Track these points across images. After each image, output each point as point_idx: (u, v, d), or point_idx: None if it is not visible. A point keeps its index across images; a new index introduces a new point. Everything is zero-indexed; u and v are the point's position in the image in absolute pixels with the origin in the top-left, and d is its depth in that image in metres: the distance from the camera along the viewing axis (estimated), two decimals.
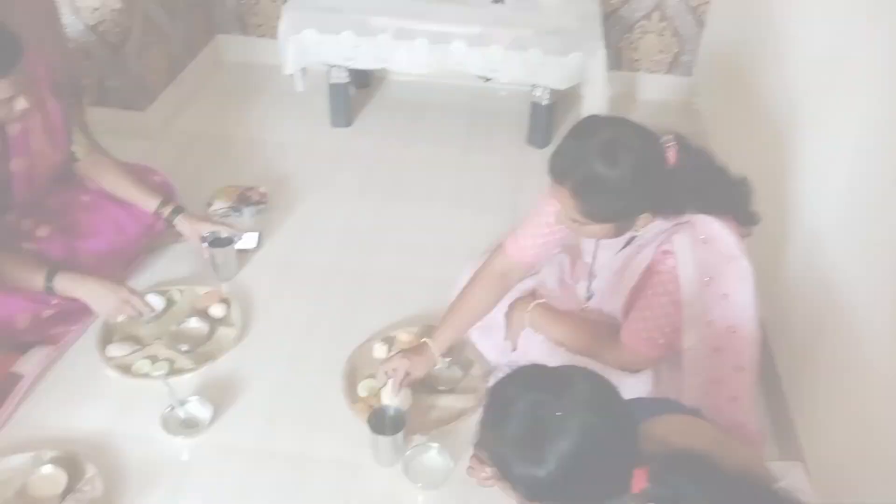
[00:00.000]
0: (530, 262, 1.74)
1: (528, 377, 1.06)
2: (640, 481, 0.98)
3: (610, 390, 1.04)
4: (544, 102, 2.69)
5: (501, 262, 1.73)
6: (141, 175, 2.16)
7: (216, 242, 2.14)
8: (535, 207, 1.69)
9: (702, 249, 1.40)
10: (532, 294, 1.80)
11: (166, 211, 2.10)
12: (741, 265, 1.43)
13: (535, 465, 0.98)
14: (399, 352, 1.78)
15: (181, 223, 2.12)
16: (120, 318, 1.93)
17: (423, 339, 1.77)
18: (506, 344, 1.77)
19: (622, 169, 1.33)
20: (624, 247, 1.55)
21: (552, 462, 0.96)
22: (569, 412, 0.98)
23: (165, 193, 2.17)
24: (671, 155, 1.40)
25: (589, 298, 1.70)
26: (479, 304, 1.75)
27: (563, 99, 2.86)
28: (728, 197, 1.46)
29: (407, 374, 1.73)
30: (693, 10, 2.94)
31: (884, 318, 1.38)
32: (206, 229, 2.12)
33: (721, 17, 2.81)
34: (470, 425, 1.77)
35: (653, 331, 1.47)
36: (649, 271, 1.47)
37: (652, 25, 3.00)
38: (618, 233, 1.45)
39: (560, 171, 1.38)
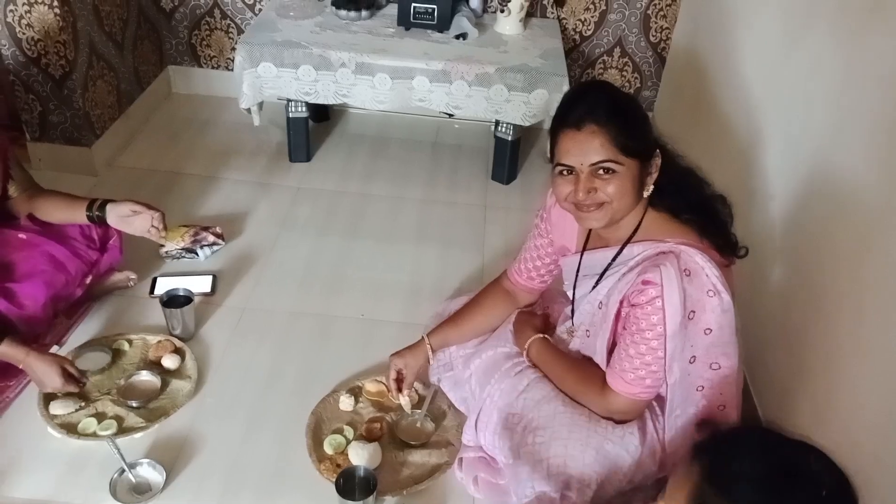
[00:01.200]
0: (533, 288, 1.77)
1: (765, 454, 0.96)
2: None
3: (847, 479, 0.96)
4: (509, 138, 2.65)
5: (507, 284, 1.80)
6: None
7: (172, 301, 2.02)
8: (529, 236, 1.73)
9: (685, 282, 1.36)
10: (541, 315, 1.76)
11: (95, 210, 1.94)
12: (723, 300, 1.39)
13: None
14: (393, 354, 1.80)
15: (110, 216, 1.94)
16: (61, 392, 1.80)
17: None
18: (514, 346, 1.72)
19: (633, 99, 1.45)
20: (604, 271, 1.50)
21: None
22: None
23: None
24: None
25: (571, 333, 1.64)
26: (487, 313, 1.81)
27: (528, 134, 2.82)
28: (705, 208, 1.45)
29: (401, 372, 1.77)
30: (654, 46, 2.96)
31: (860, 353, 1.35)
32: (129, 208, 1.93)
33: (682, 52, 2.83)
34: (443, 483, 1.69)
35: (638, 369, 1.41)
36: (628, 303, 1.42)
37: (613, 61, 3.00)
38: (638, 190, 1.41)
39: (578, 114, 1.37)
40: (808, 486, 0.91)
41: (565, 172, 1.40)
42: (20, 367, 1.73)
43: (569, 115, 1.40)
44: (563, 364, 1.61)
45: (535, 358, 1.66)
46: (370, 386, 1.90)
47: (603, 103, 1.38)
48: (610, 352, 1.52)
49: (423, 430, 1.80)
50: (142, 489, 1.63)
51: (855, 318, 1.43)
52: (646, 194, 1.43)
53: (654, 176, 1.42)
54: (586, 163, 1.37)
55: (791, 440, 0.98)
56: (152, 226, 1.93)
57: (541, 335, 1.67)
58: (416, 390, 1.87)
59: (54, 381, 1.74)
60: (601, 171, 1.37)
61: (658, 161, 1.42)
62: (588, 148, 1.37)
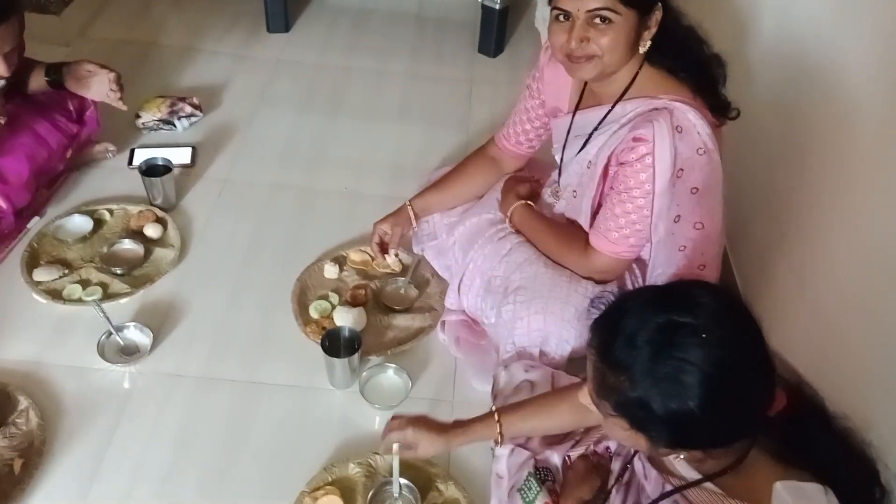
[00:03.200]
0: (520, 154, 1.74)
1: (646, 303, 0.91)
2: (781, 400, 0.91)
3: (733, 299, 0.93)
4: (496, 6, 2.55)
5: (493, 151, 1.78)
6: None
7: (152, 171, 1.98)
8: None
9: (677, 139, 1.34)
10: (529, 183, 1.73)
11: (52, 74, 1.89)
12: (713, 159, 1.38)
13: (682, 399, 0.85)
14: (376, 221, 1.80)
15: (67, 79, 1.88)
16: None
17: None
18: (498, 213, 1.71)
19: None
20: (594, 130, 1.47)
21: (701, 389, 0.84)
22: (706, 331, 0.85)
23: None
24: None
25: (557, 194, 1.63)
26: (470, 181, 1.80)
27: (517, 3, 2.72)
28: (702, 67, 1.40)
29: (386, 233, 1.78)
30: None
31: (842, 221, 1.36)
32: (84, 68, 1.88)
33: None
34: (426, 344, 1.72)
35: (623, 228, 1.42)
36: (616, 161, 1.41)
37: None
38: (632, 45, 1.36)
39: None
40: (691, 324, 0.87)
41: (561, 18, 1.35)
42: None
43: None
44: (545, 227, 1.61)
45: (518, 223, 1.66)
46: (354, 255, 1.91)
47: None
48: (595, 212, 1.52)
49: (406, 295, 1.82)
50: (129, 351, 1.65)
51: (836, 187, 1.42)
52: (642, 50, 1.39)
53: (653, 31, 1.37)
54: (583, 8, 1.31)
55: (675, 287, 0.95)
56: (110, 89, 1.86)
57: (524, 201, 1.66)
58: (400, 259, 1.88)
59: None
60: (597, 20, 1.32)
61: (658, 15, 1.36)
62: None
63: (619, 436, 0.94)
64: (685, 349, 0.85)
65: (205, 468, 1.47)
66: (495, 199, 1.75)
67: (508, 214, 1.67)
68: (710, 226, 1.46)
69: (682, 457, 0.96)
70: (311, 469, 1.46)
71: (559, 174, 1.62)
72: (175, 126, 2.24)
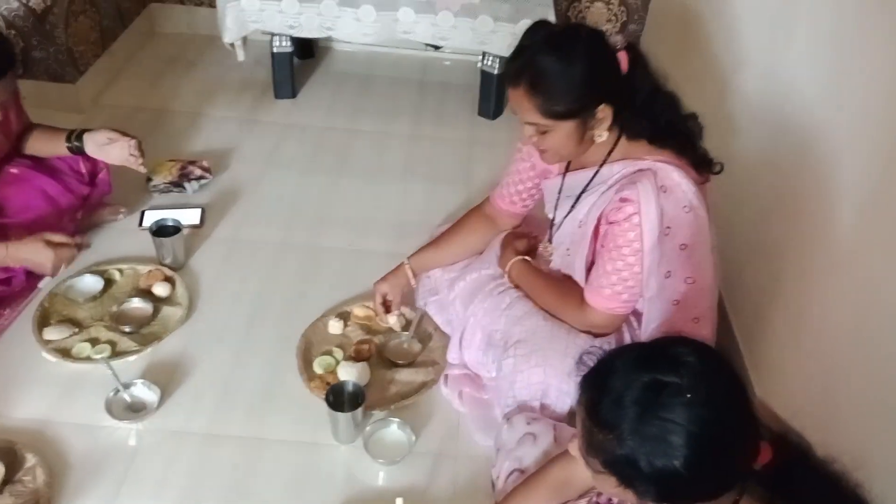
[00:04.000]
0: (515, 212, 1.79)
1: (632, 361, 0.94)
2: (766, 454, 0.93)
3: (717, 356, 0.95)
4: (495, 71, 2.65)
5: (489, 210, 1.82)
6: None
7: (162, 231, 2.04)
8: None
9: (662, 198, 1.39)
10: (527, 239, 1.77)
11: (73, 140, 1.95)
12: (699, 215, 1.42)
13: (668, 458, 0.87)
14: (376, 282, 1.85)
15: (87, 145, 1.95)
16: (63, 268, 1.84)
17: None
18: (498, 268, 1.75)
19: (571, 58, 1.36)
20: (583, 191, 1.52)
21: (686, 448, 0.86)
22: (691, 391, 0.87)
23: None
24: (623, 59, 1.40)
25: (551, 254, 1.67)
26: (467, 239, 1.85)
27: None
28: (679, 128, 1.45)
29: (386, 296, 1.82)
30: None
31: (833, 266, 1.40)
32: (105, 135, 1.94)
33: None
34: (429, 398, 1.74)
35: (616, 285, 1.45)
36: (605, 221, 1.45)
37: None
38: (581, 141, 1.44)
39: (513, 71, 1.40)
40: (675, 383, 0.89)
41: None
42: (9, 263, 1.76)
43: (508, 69, 1.43)
44: (542, 282, 1.65)
45: (516, 278, 1.70)
46: (358, 310, 1.94)
47: (531, 67, 1.37)
48: (588, 269, 1.56)
49: (409, 350, 1.85)
50: (137, 408, 1.68)
51: (827, 235, 1.46)
52: (598, 140, 1.45)
53: (606, 123, 1.43)
54: (523, 119, 1.43)
55: (660, 344, 0.97)
56: (130, 154, 1.93)
57: (522, 257, 1.71)
58: (404, 314, 1.91)
59: (47, 255, 1.77)
60: (536, 128, 1.42)
61: (602, 114, 1.41)
62: (520, 107, 1.42)
63: (609, 491, 0.96)
64: (670, 409, 0.88)
65: None
66: (495, 254, 1.79)
67: (507, 270, 1.71)
68: (700, 280, 1.50)
69: None
70: None
71: (551, 233, 1.67)
72: (185, 188, 2.31)
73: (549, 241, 1.67)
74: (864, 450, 1.16)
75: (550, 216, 1.66)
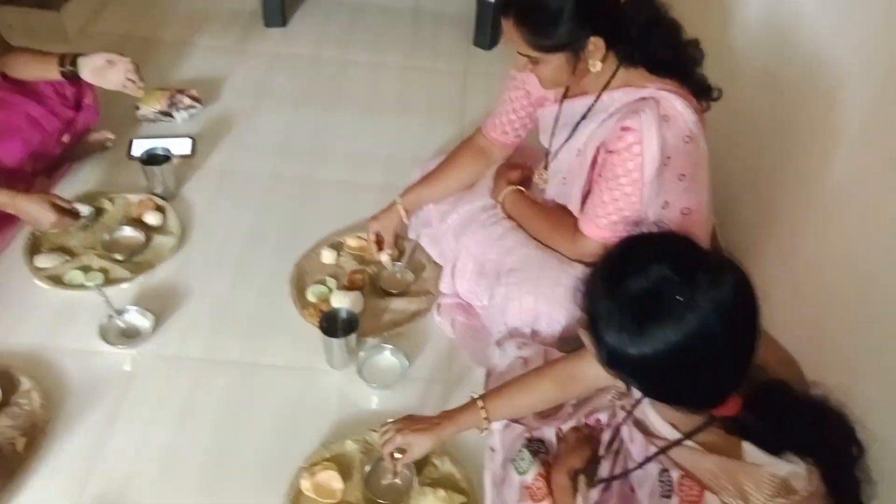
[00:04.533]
0: (507, 143, 1.75)
1: (670, 248, 0.91)
2: (732, 407, 0.92)
3: (750, 298, 0.90)
4: (491, 0, 2.59)
5: (481, 141, 1.78)
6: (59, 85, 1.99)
7: (152, 160, 2.01)
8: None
9: (664, 128, 1.37)
10: (520, 169, 1.76)
11: (67, 65, 1.88)
12: (699, 146, 1.41)
13: (630, 341, 0.87)
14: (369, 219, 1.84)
15: (83, 69, 1.87)
16: (54, 230, 1.82)
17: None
18: (490, 199, 1.75)
19: None
20: (581, 119, 1.51)
21: (649, 346, 0.86)
22: (692, 303, 0.85)
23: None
24: None
25: (546, 182, 1.66)
26: (459, 172, 1.81)
27: None
28: (679, 56, 1.42)
29: (379, 234, 1.81)
30: None
31: (828, 199, 1.40)
32: (103, 58, 1.87)
33: None
34: (422, 327, 1.76)
35: (612, 214, 1.45)
36: (605, 150, 1.44)
37: None
38: (574, 70, 1.40)
39: (504, 1, 1.39)
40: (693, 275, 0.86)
41: None
42: (10, 210, 1.73)
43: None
44: (535, 212, 1.65)
45: (509, 209, 1.69)
46: (351, 241, 1.94)
47: None
48: (584, 198, 1.55)
49: (403, 279, 1.85)
50: (131, 334, 1.69)
51: (824, 168, 1.46)
52: (593, 70, 1.41)
53: (599, 54, 1.38)
54: (517, 47, 1.39)
55: (676, 240, 0.95)
56: (127, 78, 1.89)
57: (515, 187, 1.70)
58: (397, 246, 1.91)
59: (48, 217, 1.74)
60: (529, 59, 1.40)
61: (596, 44, 1.36)
62: (510, 38, 1.40)
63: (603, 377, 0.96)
64: (683, 302, 0.86)
65: (206, 447, 1.50)
66: (487, 186, 1.78)
67: (500, 200, 1.70)
68: (697, 211, 1.49)
69: (664, 419, 0.99)
70: (310, 447, 1.49)
71: (547, 161, 1.65)
72: (174, 117, 2.27)
73: (546, 168, 1.65)
74: (855, 380, 1.18)
75: (546, 145, 1.64)
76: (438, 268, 1.86)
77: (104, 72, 1.88)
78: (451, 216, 1.79)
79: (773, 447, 0.93)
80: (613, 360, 0.90)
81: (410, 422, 1.34)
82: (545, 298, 1.51)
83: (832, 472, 0.92)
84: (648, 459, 1.00)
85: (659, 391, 0.92)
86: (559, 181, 1.62)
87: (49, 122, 1.94)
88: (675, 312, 0.85)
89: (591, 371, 1.23)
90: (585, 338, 0.94)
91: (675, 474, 0.94)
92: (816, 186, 1.48)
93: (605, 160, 1.45)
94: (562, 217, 1.59)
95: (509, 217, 1.69)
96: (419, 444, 1.31)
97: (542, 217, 1.63)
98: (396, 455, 1.33)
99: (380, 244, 1.84)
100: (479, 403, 1.32)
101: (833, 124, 1.43)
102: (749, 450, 0.91)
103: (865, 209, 1.30)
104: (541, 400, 1.34)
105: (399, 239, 1.88)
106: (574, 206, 1.57)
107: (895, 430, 1.09)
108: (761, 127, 1.77)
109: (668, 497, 0.93)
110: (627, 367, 0.90)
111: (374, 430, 1.50)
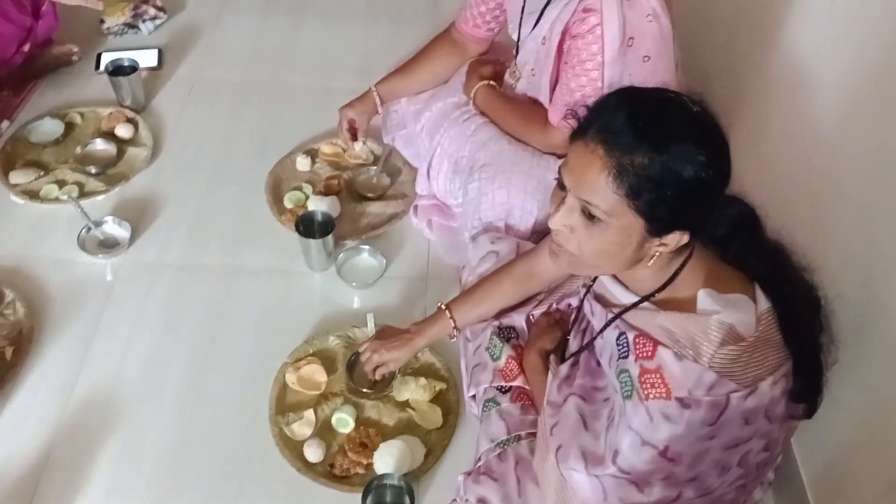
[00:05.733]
0: (479, 37, 1.73)
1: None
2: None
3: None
4: None
5: (455, 35, 1.76)
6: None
7: (119, 71, 1.97)
8: None
9: (625, 7, 1.36)
10: (492, 65, 1.74)
11: None
12: (662, 25, 1.40)
13: (652, 149, 0.87)
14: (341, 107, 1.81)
15: None
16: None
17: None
18: (463, 96, 1.73)
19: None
20: (546, 4, 1.48)
21: (667, 154, 0.87)
22: (703, 116, 0.91)
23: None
24: None
25: (515, 74, 1.65)
26: (434, 64, 1.79)
27: None
28: None
29: (352, 122, 1.78)
30: None
31: (794, 79, 1.40)
32: None
33: None
34: (399, 229, 1.78)
35: (579, 101, 1.45)
36: (569, 36, 1.43)
37: None
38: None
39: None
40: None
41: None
42: None
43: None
44: (507, 106, 1.64)
45: (481, 104, 1.68)
46: (326, 147, 1.93)
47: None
48: (553, 89, 1.55)
49: (379, 183, 1.86)
50: (109, 244, 1.70)
51: (792, 44, 1.46)
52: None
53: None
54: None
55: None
56: None
57: (487, 82, 1.68)
58: (371, 150, 1.91)
59: None
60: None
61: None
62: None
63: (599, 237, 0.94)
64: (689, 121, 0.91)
65: (191, 348, 1.54)
66: (460, 82, 1.76)
67: (472, 95, 1.69)
68: None
69: (619, 284, 1.03)
70: (293, 343, 1.53)
71: (516, 53, 1.64)
72: (140, 29, 2.23)
73: (515, 62, 1.64)
74: (815, 244, 1.21)
75: (514, 36, 1.62)
76: (414, 171, 1.86)
77: None
78: (424, 114, 1.78)
79: (752, 264, 0.98)
80: (623, 176, 0.88)
81: (385, 339, 1.38)
82: (518, 191, 1.53)
83: (791, 321, 0.95)
84: (606, 325, 1.04)
85: (666, 208, 0.90)
86: (528, 73, 1.61)
87: (5, 28, 1.89)
88: (692, 121, 0.89)
89: (548, 264, 1.27)
90: (594, 162, 0.90)
91: (630, 335, 0.97)
92: (786, 67, 1.48)
93: (570, 46, 1.44)
94: (533, 110, 1.59)
95: (481, 112, 1.68)
96: (395, 360, 1.37)
97: (514, 111, 1.62)
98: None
99: (353, 133, 1.83)
100: (447, 313, 1.36)
101: (805, 7, 1.42)
102: (703, 298, 0.94)
103: (831, 85, 1.31)
104: (504, 301, 1.38)
105: (367, 145, 1.88)
106: (544, 98, 1.57)
107: (853, 290, 1.13)
108: (730, 9, 1.75)
109: (626, 358, 0.97)
110: (643, 182, 0.87)
111: (356, 327, 1.54)
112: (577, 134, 0.95)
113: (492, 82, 1.68)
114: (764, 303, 0.96)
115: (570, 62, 1.44)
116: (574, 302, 1.33)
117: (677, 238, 0.92)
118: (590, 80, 1.42)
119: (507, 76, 1.71)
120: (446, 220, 1.76)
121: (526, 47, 1.57)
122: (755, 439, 0.97)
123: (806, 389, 1.00)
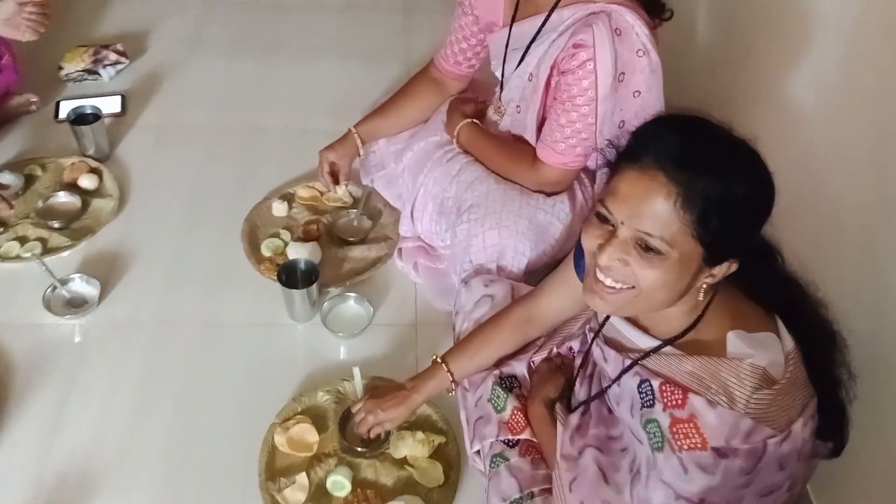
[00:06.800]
0: (460, 74, 1.71)
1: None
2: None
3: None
4: None
5: (434, 73, 1.73)
6: None
7: (81, 120, 1.89)
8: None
9: (616, 42, 1.34)
10: (473, 103, 1.70)
11: None
12: (652, 59, 1.38)
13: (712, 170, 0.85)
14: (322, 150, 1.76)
15: None
16: None
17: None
18: (445, 135, 1.69)
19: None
20: (532, 41, 1.46)
21: (727, 177, 0.85)
22: (746, 147, 0.89)
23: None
24: None
25: (500, 111, 1.62)
26: (414, 103, 1.76)
27: None
28: None
29: (333, 165, 1.73)
30: None
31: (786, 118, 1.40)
32: (12, 5, 1.72)
33: None
34: (384, 273, 1.72)
35: (570, 138, 1.41)
36: (558, 71, 1.40)
37: None
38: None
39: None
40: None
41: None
42: None
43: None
44: (492, 144, 1.61)
45: (465, 142, 1.65)
46: (303, 191, 1.87)
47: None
48: (540, 126, 1.52)
49: (360, 227, 1.80)
50: (77, 303, 1.60)
51: (776, 75, 1.45)
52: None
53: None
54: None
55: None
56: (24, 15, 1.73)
57: (469, 120, 1.65)
58: (350, 192, 1.85)
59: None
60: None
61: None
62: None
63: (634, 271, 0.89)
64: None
65: (171, 412, 1.45)
66: (441, 121, 1.72)
67: (455, 134, 1.65)
68: None
69: (635, 327, 0.98)
70: (281, 401, 1.45)
71: (500, 90, 1.61)
72: (100, 75, 2.14)
73: (500, 98, 1.61)
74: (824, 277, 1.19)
75: (498, 73, 1.59)
76: (395, 212, 1.81)
77: (15, 20, 1.74)
78: (405, 155, 1.74)
79: (772, 298, 0.95)
80: (691, 201, 0.84)
81: (379, 398, 1.30)
82: (509, 232, 1.48)
83: (813, 354, 0.93)
84: (623, 372, 0.99)
85: (729, 234, 0.87)
86: (513, 110, 1.58)
87: None
88: (738, 143, 0.88)
89: (548, 308, 1.23)
90: (656, 189, 0.86)
91: (655, 383, 0.93)
92: (774, 108, 1.47)
93: (560, 82, 1.42)
94: (519, 147, 1.55)
95: (465, 151, 1.64)
96: (391, 420, 1.30)
97: (500, 148, 1.58)
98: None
99: (335, 176, 1.77)
100: (443, 366, 1.30)
101: (783, 32, 1.42)
102: (733, 341, 0.90)
103: (826, 121, 1.31)
104: (503, 349, 1.32)
105: (348, 188, 1.82)
106: (530, 135, 1.54)
107: (862, 325, 1.10)
108: (714, 40, 1.76)
109: (651, 406, 0.92)
110: (712, 207, 0.84)
111: (346, 380, 1.47)
112: (628, 162, 0.90)
113: (475, 120, 1.64)
114: (789, 341, 0.92)
115: (559, 98, 1.41)
116: (575, 345, 1.28)
117: (726, 268, 0.90)
118: (581, 116, 1.39)
119: (490, 112, 1.68)
120: (432, 263, 1.71)
121: (511, 84, 1.54)
122: (787, 482, 0.93)
123: (831, 426, 0.97)
